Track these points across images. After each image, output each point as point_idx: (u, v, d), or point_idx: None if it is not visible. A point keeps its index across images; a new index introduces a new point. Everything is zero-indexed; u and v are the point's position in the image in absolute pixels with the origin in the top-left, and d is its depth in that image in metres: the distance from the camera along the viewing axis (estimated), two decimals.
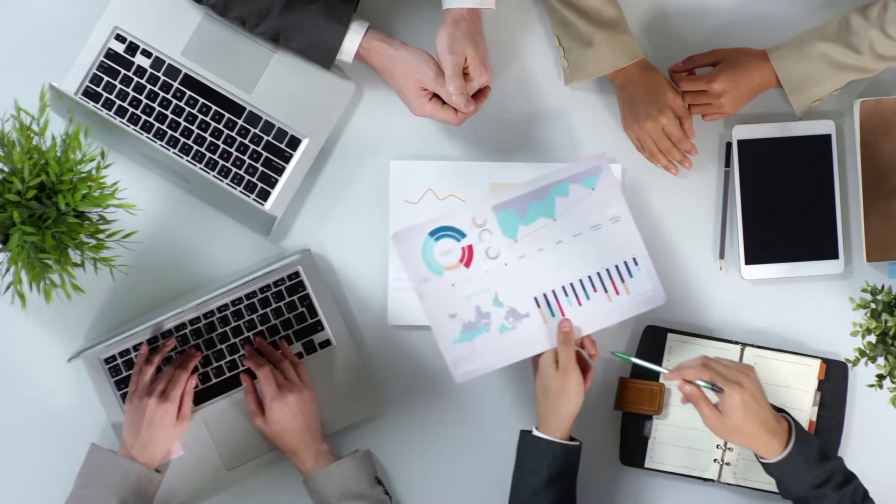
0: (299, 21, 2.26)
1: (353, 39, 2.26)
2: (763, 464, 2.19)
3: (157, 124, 2.32)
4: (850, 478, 2.19)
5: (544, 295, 2.31)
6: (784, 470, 2.17)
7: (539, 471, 2.20)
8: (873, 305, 2.08)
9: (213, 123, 2.32)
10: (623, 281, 2.32)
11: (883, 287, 2.10)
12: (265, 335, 2.32)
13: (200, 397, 2.32)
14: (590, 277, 2.32)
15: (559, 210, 2.31)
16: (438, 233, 2.31)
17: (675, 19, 2.38)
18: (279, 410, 2.26)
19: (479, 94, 2.27)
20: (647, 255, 2.31)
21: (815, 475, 2.17)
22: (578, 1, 2.26)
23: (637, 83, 2.30)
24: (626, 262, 2.32)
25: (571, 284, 2.32)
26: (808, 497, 2.17)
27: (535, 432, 2.22)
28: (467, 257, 2.31)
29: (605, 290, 2.32)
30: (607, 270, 2.32)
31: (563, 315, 2.30)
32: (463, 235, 2.31)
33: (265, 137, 2.32)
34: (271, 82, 2.32)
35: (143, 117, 2.32)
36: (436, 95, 2.26)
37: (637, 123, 2.31)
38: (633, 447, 2.33)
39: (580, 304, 2.31)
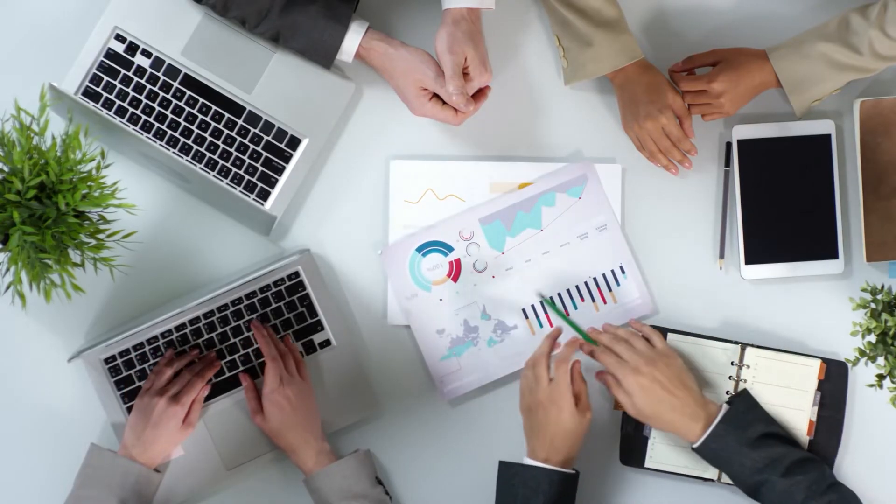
0: (299, 21, 2.26)
1: (353, 39, 2.26)
2: (695, 451, 2.20)
3: (156, 124, 2.32)
4: (807, 468, 2.19)
5: (532, 306, 2.32)
6: (715, 453, 2.18)
7: (534, 500, 2.17)
8: (873, 305, 2.08)
9: (213, 123, 2.32)
10: (610, 290, 2.32)
11: (883, 287, 2.10)
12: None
13: None
14: (577, 287, 2.32)
15: (546, 220, 2.32)
16: (426, 248, 2.31)
17: (675, 19, 2.38)
18: (276, 403, 2.25)
19: (479, 94, 2.27)
20: (633, 263, 2.32)
21: (755, 459, 2.18)
22: (578, 1, 2.26)
23: (637, 83, 2.30)
24: (612, 271, 2.33)
25: (559, 295, 2.32)
26: (756, 484, 2.18)
27: (527, 460, 2.19)
28: (455, 271, 2.32)
29: (593, 300, 2.32)
30: (594, 279, 2.32)
31: (552, 326, 2.31)
32: (450, 249, 2.32)
33: (265, 137, 2.32)
34: (271, 82, 2.32)
35: (143, 117, 2.31)
36: (436, 95, 2.26)
37: (637, 123, 2.31)
38: (633, 447, 2.33)
39: (568, 314, 2.32)
